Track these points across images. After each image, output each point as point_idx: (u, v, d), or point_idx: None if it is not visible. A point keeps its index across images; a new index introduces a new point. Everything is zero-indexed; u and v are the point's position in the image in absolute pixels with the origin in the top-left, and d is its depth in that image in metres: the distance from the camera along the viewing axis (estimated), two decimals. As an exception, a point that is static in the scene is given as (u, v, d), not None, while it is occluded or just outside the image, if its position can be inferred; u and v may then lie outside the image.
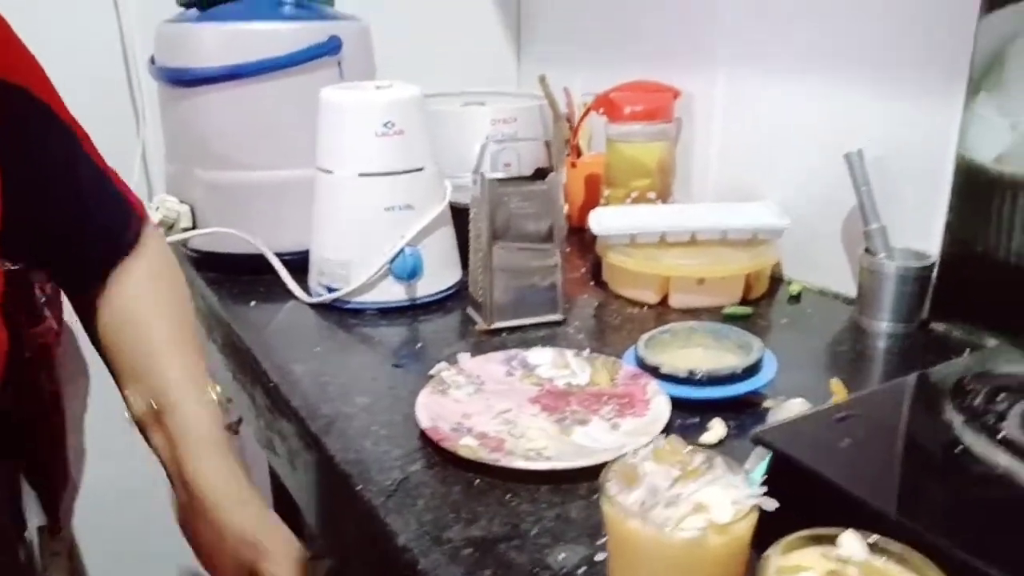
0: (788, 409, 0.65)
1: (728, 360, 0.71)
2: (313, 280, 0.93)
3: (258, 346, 0.83)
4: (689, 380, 0.68)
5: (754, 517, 0.39)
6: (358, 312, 0.90)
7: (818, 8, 0.91)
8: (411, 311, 0.90)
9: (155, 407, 0.61)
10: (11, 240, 0.54)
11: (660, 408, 0.65)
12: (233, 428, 1.02)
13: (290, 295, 0.95)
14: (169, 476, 0.62)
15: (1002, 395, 0.49)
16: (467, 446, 0.60)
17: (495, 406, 0.69)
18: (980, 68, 0.77)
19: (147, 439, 0.63)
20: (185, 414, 0.61)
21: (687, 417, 0.67)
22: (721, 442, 0.63)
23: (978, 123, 0.78)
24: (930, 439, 0.47)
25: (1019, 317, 0.77)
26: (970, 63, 0.77)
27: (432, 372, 0.73)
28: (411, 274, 0.88)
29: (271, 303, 0.94)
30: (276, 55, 0.95)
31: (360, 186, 0.87)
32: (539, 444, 0.62)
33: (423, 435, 0.63)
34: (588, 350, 0.76)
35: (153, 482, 0.72)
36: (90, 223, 0.64)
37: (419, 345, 0.81)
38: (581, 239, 1.12)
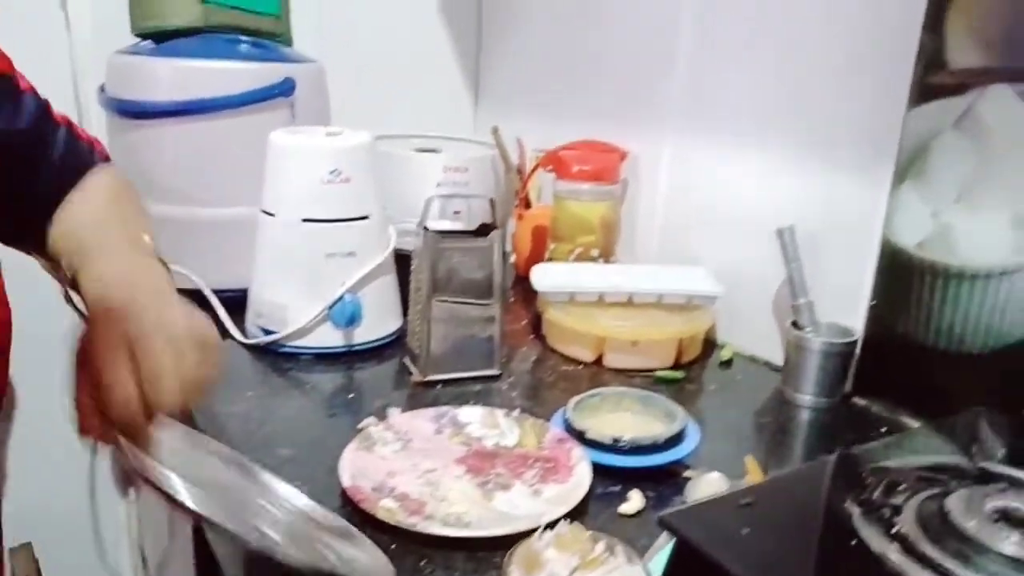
0: (706, 482, 0.66)
1: (654, 428, 0.72)
2: (250, 321, 0.92)
3: (188, 387, 0.82)
4: (613, 447, 0.69)
5: None
6: (293, 356, 0.90)
7: (764, 86, 0.95)
8: (347, 357, 0.90)
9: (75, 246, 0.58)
10: None
11: (582, 475, 0.66)
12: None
13: (226, 334, 0.94)
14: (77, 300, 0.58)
15: (901, 487, 0.51)
16: (386, 508, 0.61)
17: (420, 465, 0.69)
18: (906, 158, 0.81)
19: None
20: (107, 238, 0.59)
21: (609, 485, 0.68)
22: (639, 513, 0.64)
23: (902, 209, 0.82)
24: (829, 530, 0.49)
25: (933, 397, 0.80)
26: (897, 152, 0.81)
27: (360, 426, 0.73)
28: (349, 321, 0.88)
29: (206, 341, 0.93)
30: (229, 94, 0.95)
31: (303, 231, 0.87)
32: (460, 509, 0.63)
33: (344, 493, 0.63)
34: (519, 410, 0.76)
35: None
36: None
37: (351, 395, 0.81)
38: (526, 289, 1.13)
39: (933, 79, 0.77)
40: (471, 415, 0.76)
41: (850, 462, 0.56)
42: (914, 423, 0.82)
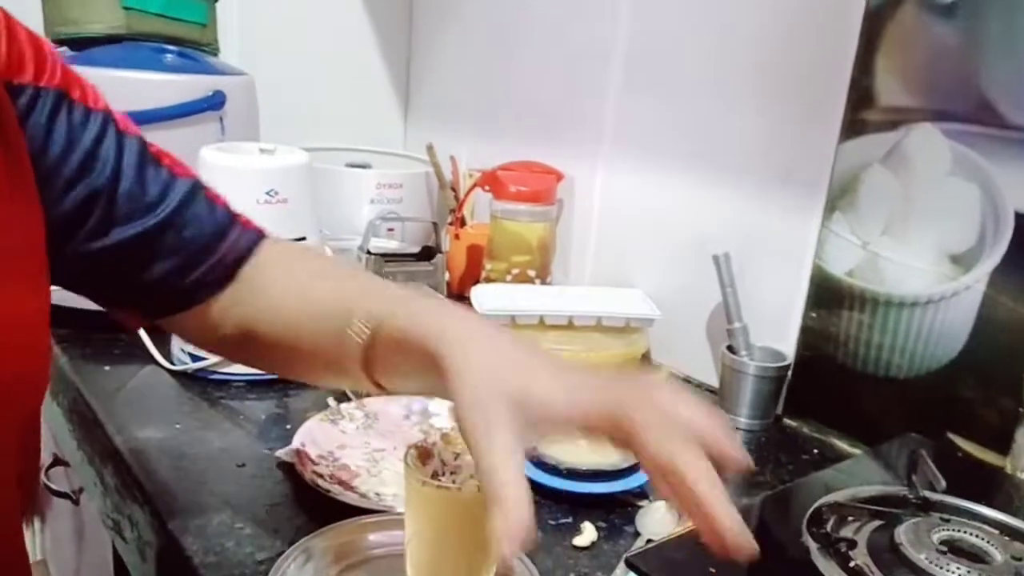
0: (654, 512, 0.67)
1: (609, 452, 0.73)
2: (176, 347, 0.88)
3: (110, 417, 0.77)
4: (571, 474, 0.69)
5: None
6: (223, 383, 0.86)
7: (697, 115, 0.97)
8: (282, 384, 0.87)
9: (368, 329, 0.48)
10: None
11: None
12: (74, 496, 0.95)
13: (149, 358, 0.89)
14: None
15: (851, 519, 0.53)
16: (316, 473, 0.64)
17: (372, 443, 0.73)
18: (836, 189, 0.84)
19: (377, 382, 0.50)
20: (414, 308, 0.47)
21: (559, 514, 0.67)
22: (592, 545, 0.64)
23: (833, 239, 0.85)
24: (791, 566, 0.50)
25: (861, 420, 0.84)
26: (828, 184, 0.84)
27: (331, 404, 0.76)
28: (284, 346, 0.85)
29: (127, 366, 0.88)
30: (155, 107, 0.90)
31: (236, 253, 0.83)
32: (389, 489, 0.66)
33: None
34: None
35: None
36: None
37: (288, 426, 0.78)
38: (459, 309, 1.13)
39: (863, 115, 0.81)
40: (440, 407, 0.78)
41: (800, 495, 0.58)
42: (843, 444, 0.85)
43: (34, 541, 1.34)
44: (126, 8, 0.95)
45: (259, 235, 0.57)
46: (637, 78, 1.04)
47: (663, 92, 1.01)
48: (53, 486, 0.98)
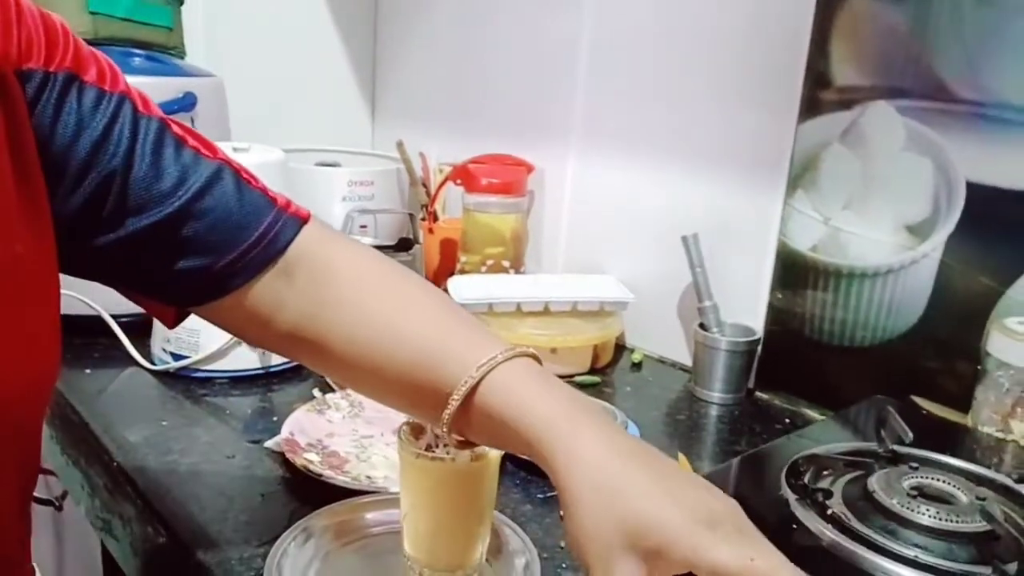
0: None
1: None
2: (156, 346, 0.88)
3: (96, 418, 0.78)
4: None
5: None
6: (206, 381, 0.86)
7: (660, 102, 1.00)
8: (264, 378, 0.88)
9: (457, 399, 0.45)
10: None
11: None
12: (57, 503, 0.95)
13: (130, 360, 0.89)
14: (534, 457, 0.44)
15: (827, 472, 0.56)
16: (308, 459, 0.66)
17: (360, 431, 0.75)
18: (798, 167, 0.88)
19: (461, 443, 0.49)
20: (503, 380, 0.45)
21: (548, 490, 0.69)
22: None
23: (796, 216, 0.88)
24: (772, 518, 0.53)
25: (829, 388, 0.87)
26: (789, 163, 0.88)
27: (316, 394, 0.79)
28: (266, 342, 0.86)
29: (108, 369, 0.89)
30: (125, 109, 0.91)
31: (215, 251, 0.84)
32: (378, 472, 0.68)
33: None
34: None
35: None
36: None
37: (275, 418, 0.79)
38: (435, 302, 1.14)
39: (821, 95, 0.84)
40: None
41: (776, 454, 0.61)
42: (813, 413, 0.89)
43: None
44: (92, 13, 0.94)
45: (301, 220, 0.52)
46: (603, 69, 1.07)
47: (629, 82, 1.04)
48: (35, 494, 0.98)
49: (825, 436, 0.66)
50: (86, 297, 0.90)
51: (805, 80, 0.85)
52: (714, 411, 0.90)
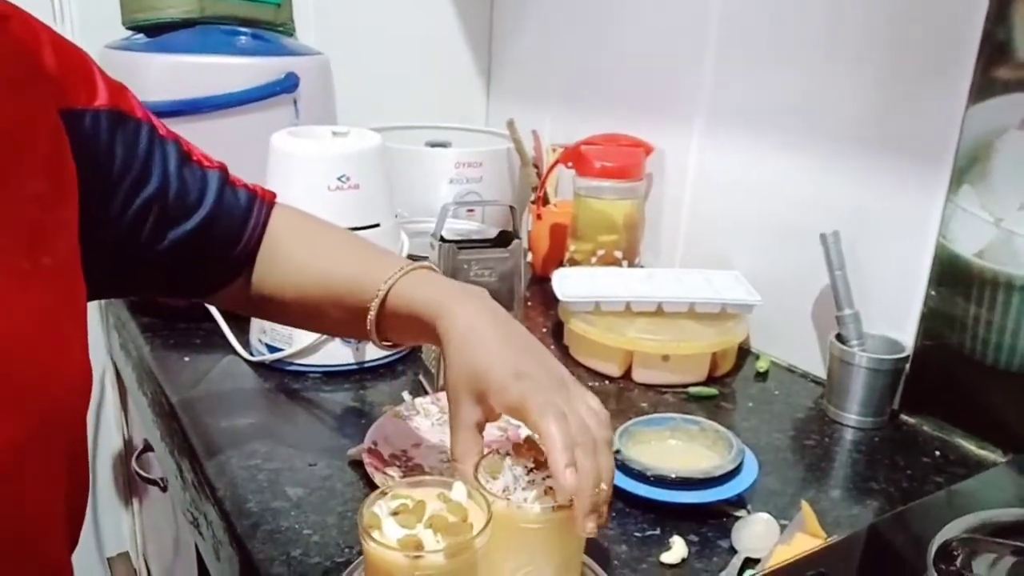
0: (753, 525, 0.61)
1: (705, 457, 0.67)
2: (254, 337, 0.87)
3: (187, 411, 0.77)
4: (658, 481, 0.63)
5: None
6: (300, 375, 0.84)
7: (805, 78, 0.88)
8: (357, 375, 0.85)
9: (372, 316, 0.57)
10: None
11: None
12: (162, 484, 0.96)
13: (229, 348, 0.88)
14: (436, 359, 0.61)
15: (983, 552, 0.45)
16: (388, 475, 0.62)
17: (447, 442, 0.68)
18: (964, 159, 0.74)
19: (390, 340, 0.59)
20: (401, 286, 0.56)
21: (646, 525, 0.62)
22: (683, 562, 0.58)
23: (960, 215, 0.75)
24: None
25: (990, 417, 0.74)
26: (955, 153, 0.74)
27: (406, 398, 0.75)
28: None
29: (207, 355, 0.88)
30: (227, 91, 0.89)
31: (309, 242, 0.81)
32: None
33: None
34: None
35: None
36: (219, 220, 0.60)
37: (363, 420, 0.76)
38: (544, 291, 1.08)
39: (997, 73, 0.70)
40: None
41: (924, 517, 0.50)
42: (970, 446, 0.76)
43: (134, 527, 1.39)
44: (199, -10, 0.93)
45: (271, 205, 0.63)
46: (734, 43, 0.95)
47: (763, 55, 0.92)
48: (143, 472, 1.00)
49: (989, 493, 0.55)
50: (188, 283, 0.90)
51: (979, 53, 0.71)
52: (849, 436, 0.79)
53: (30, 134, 0.45)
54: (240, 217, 0.60)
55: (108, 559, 1.39)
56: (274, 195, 0.65)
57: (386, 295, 0.56)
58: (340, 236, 0.65)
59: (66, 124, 0.47)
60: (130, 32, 0.97)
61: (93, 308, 1.12)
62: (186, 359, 0.87)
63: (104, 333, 1.20)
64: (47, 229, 0.45)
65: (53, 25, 1.06)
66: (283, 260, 0.62)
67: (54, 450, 0.45)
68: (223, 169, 0.61)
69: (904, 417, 0.81)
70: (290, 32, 1.06)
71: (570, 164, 1.05)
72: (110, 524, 1.37)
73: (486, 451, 0.51)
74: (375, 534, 0.42)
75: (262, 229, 0.62)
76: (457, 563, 0.42)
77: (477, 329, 0.51)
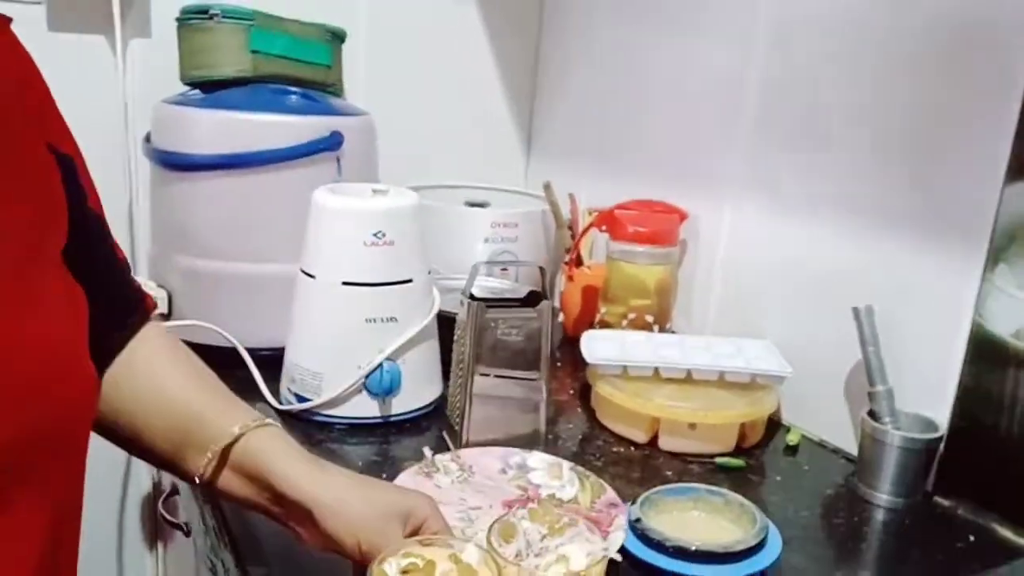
0: (775, 604, 0.59)
1: (727, 530, 0.66)
2: (284, 385, 0.88)
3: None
4: (678, 553, 0.62)
5: (603, 565, 0.50)
6: (326, 425, 0.85)
7: (839, 149, 0.88)
8: (383, 429, 0.85)
9: (216, 451, 0.56)
10: None
11: (613, 540, 0.60)
12: (186, 529, 0.96)
13: (259, 396, 0.89)
14: (264, 510, 0.57)
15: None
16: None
17: (469, 500, 0.70)
18: (1001, 238, 0.73)
19: (219, 493, 0.59)
20: (255, 439, 0.57)
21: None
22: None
23: (996, 295, 0.74)
24: None
25: (1031, 505, 0.72)
26: (991, 232, 0.74)
27: (427, 454, 0.74)
28: (387, 391, 0.83)
29: (239, 403, 0.89)
30: (273, 147, 0.92)
31: (342, 295, 0.82)
32: None
33: None
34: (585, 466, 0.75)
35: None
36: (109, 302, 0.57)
37: (384, 475, 0.76)
38: (574, 352, 1.07)
39: (1035, 153, 0.70)
40: (539, 462, 0.75)
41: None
42: (1006, 532, 0.73)
43: (156, 571, 1.39)
44: (253, 52, 0.97)
45: (148, 314, 0.62)
46: (771, 111, 0.96)
47: (798, 127, 0.92)
48: (168, 516, 1.01)
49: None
50: (224, 330, 0.92)
51: (1016, 134, 0.71)
52: (880, 516, 0.77)
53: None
54: (130, 309, 0.60)
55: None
56: (156, 305, 0.64)
57: (231, 444, 0.56)
58: (201, 367, 0.64)
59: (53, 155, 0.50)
60: (187, 87, 1.02)
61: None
62: (217, 405, 0.88)
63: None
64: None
65: (116, 75, 1.12)
66: (141, 367, 0.59)
67: (48, 463, 0.45)
68: (125, 259, 0.61)
69: (937, 499, 0.79)
70: (338, 93, 1.10)
71: (604, 228, 1.06)
72: (134, 566, 1.37)
73: (500, 514, 0.51)
74: None
75: (136, 327, 0.60)
76: None
77: (347, 484, 0.55)
